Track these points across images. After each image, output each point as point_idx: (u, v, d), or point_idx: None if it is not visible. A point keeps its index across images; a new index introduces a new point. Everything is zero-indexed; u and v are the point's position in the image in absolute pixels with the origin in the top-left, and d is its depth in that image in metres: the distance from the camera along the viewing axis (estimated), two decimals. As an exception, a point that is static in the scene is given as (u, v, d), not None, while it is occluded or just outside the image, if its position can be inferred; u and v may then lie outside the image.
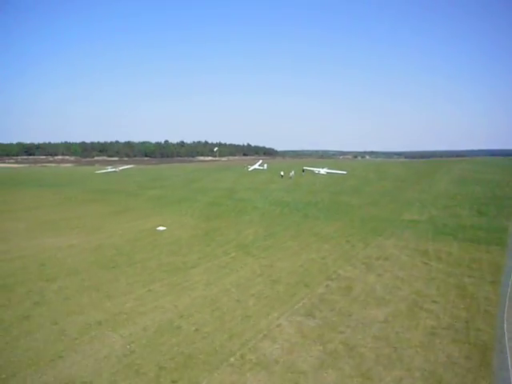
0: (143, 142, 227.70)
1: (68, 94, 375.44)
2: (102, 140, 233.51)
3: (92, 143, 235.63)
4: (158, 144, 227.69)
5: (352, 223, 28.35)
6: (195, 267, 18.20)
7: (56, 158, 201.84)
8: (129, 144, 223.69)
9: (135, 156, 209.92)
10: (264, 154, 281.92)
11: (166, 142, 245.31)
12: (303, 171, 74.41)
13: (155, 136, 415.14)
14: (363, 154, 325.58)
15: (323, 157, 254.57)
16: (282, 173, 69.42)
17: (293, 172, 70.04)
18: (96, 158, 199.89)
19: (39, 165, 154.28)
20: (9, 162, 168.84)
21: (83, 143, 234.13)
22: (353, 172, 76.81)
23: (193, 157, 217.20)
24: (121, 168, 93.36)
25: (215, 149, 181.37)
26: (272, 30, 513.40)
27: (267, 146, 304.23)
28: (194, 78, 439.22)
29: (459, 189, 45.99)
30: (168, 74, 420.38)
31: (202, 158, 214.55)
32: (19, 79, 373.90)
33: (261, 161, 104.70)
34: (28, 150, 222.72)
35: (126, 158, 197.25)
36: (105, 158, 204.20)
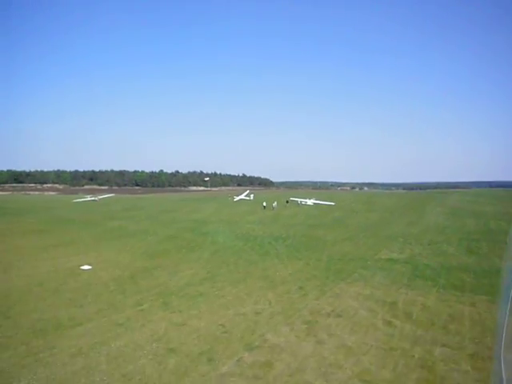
0: (135, 171, 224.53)
1: (65, 123, 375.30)
2: (96, 168, 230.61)
3: (84, 172, 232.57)
4: (149, 173, 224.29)
5: (317, 263, 23.95)
6: (81, 325, 13.75)
7: (45, 186, 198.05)
8: (120, 173, 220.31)
9: (125, 185, 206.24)
10: (259, 184, 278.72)
11: (161, 171, 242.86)
12: (287, 202, 71.04)
13: (150, 165, 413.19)
14: (361, 185, 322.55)
15: (320, 188, 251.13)
16: (264, 204, 66.22)
17: (275, 203, 66.68)
18: (85, 187, 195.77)
19: (22, 193, 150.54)
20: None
21: (75, 172, 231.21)
22: (341, 203, 73.37)
23: (185, 186, 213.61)
24: (100, 197, 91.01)
25: (206, 179, 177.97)
26: (271, 62, 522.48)
27: (263, 177, 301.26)
28: (189, 109, 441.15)
29: (450, 221, 41.76)
30: (164, 104, 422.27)
31: (194, 187, 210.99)
32: (18, 108, 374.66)
33: (248, 191, 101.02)
34: (18, 178, 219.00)
35: (115, 187, 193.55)
36: (94, 186, 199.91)
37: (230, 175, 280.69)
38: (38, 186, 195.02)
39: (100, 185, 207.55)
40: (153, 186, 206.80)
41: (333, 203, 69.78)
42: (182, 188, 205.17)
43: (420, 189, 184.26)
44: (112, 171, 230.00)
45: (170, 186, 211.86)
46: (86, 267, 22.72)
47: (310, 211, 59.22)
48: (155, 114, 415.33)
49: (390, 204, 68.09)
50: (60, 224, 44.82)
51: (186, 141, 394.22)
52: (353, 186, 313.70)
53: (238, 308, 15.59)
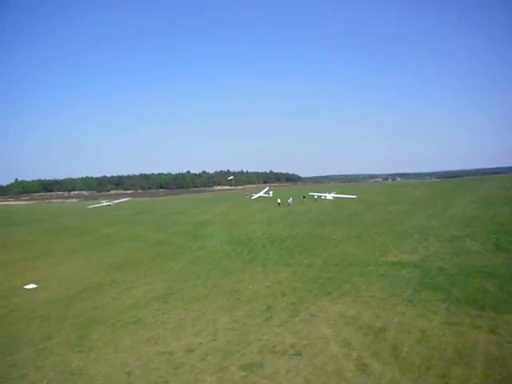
0: (159, 174, 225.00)
1: (94, 128, 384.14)
2: (125, 173, 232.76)
3: (111, 177, 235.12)
4: (173, 175, 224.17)
5: (306, 270, 19.85)
6: None
7: (71, 193, 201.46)
8: (145, 176, 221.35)
9: (150, 188, 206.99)
10: (286, 180, 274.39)
11: (188, 172, 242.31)
12: (304, 198, 66.85)
13: (177, 167, 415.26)
14: (394, 176, 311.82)
15: (351, 181, 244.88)
16: (279, 200, 62.91)
17: (291, 199, 62.78)
18: (111, 192, 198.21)
19: (46, 201, 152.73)
20: (9, 200, 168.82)
21: (102, 177, 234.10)
22: (364, 196, 68.63)
23: (210, 186, 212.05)
24: (116, 202, 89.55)
25: (230, 177, 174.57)
26: (301, 48, 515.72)
27: (291, 172, 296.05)
28: (215, 105, 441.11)
29: (479, 212, 36.24)
30: (190, 104, 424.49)
31: (219, 187, 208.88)
32: (46, 117, 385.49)
33: (267, 188, 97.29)
34: (47, 187, 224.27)
35: (140, 191, 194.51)
36: (120, 191, 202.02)
37: (257, 172, 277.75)
38: (65, 194, 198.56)
39: (125, 189, 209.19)
40: (177, 188, 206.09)
41: (355, 196, 65.14)
42: (207, 188, 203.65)
43: (455, 177, 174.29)
44: (138, 175, 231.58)
45: (194, 186, 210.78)
46: (30, 286, 19.66)
47: (326, 206, 54.72)
48: (183, 116, 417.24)
49: (416, 194, 62.47)
50: (51, 234, 42.57)
51: (212, 141, 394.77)
52: (385, 177, 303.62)
53: (168, 343, 11.82)
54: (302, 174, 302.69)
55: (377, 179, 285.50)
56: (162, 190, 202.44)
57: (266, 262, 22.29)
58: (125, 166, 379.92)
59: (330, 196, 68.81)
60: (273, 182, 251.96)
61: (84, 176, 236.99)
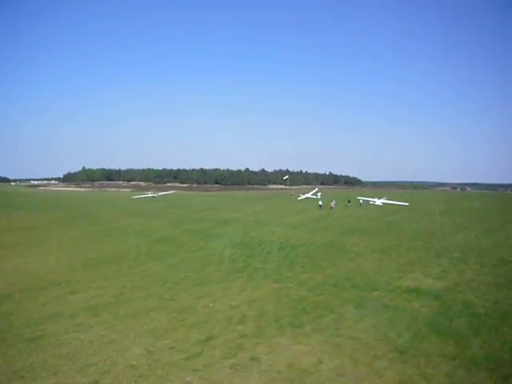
0: (216, 169, 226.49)
1: (158, 121, 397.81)
2: (188, 167, 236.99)
3: (171, 170, 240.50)
4: (229, 171, 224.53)
5: (295, 289, 16.06)
6: None
7: (130, 183, 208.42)
8: (201, 171, 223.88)
9: (205, 183, 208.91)
10: (345, 183, 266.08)
11: (247, 169, 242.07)
12: (349, 202, 61.97)
13: (237, 164, 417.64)
14: (464, 185, 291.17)
15: (416, 188, 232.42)
16: (320, 203, 58.71)
17: (334, 202, 58.63)
18: (167, 184, 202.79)
19: (101, 189, 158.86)
20: (70, 186, 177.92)
21: (162, 170, 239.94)
22: (417, 204, 63.00)
23: (264, 185, 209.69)
24: (161, 194, 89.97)
25: (285, 177, 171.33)
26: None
27: (351, 175, 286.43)
28: (276, 106, 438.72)
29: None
30: (249, 101, 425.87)
31: (273, 186, 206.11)
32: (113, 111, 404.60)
33: (316, 189, 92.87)
34: (109, 176, 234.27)
35: (194, 185, 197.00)
36: (176, 184, 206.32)
37: (316, 174, 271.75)
38: (124, 184, 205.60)
39: (182, 182, 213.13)
40: (232, 184, 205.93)
41: (406, 204, 59.44)
42: (261, 186, 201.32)
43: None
44: (196, 169, 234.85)
45: (249, 184, 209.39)
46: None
47: (368, 212, 49.84)
48: (243, 114, 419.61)
49: (477, 206, 55.39)
50: (65, 222, 41.82)
51: (272, 140, 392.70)
52: (454, 186, 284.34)
53: (40, 376, 8.70)
54: (364, 178, 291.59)
55: (444, 188, 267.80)
56: (216, 185, 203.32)
57: (255, 274, 18.68)
58: (188, 160, 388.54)
59: (378, 201, 63.69)
60: (330, 184, 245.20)
61: (146, 168, 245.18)
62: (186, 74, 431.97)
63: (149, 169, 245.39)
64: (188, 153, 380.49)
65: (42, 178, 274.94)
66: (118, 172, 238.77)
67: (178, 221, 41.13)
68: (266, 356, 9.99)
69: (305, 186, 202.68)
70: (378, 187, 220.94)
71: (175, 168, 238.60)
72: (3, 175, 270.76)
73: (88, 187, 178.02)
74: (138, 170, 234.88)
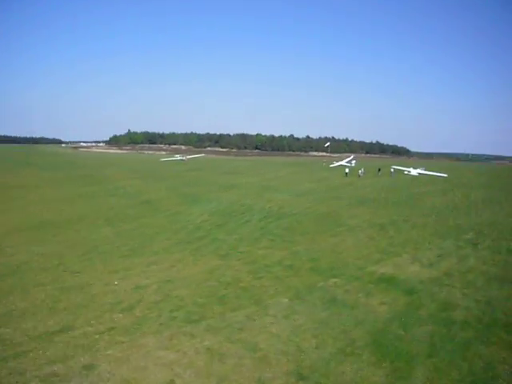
0: (257, 135, 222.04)
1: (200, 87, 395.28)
2: (231, 132, 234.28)
3: (213, 134, 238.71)
4: (270, 137, 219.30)
5: (238, 268, 13.14)
6: None
7: (171, 147, 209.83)
8: (242, 136, 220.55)
9: (246, 148, 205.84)
10: (392, 152, 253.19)
11: (291, 136, 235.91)
12: (379, 170, 57.18)
13: (281, 130, 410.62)
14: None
15: (471, 160, 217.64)
16: (347, 170, 54.68)
17: (362, 169, 54.37)
18: (208, 149, 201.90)
19: (139, 152, 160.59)
20: (112, 148, 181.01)
21: (205, 134, 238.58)
22: (457, 176, 56.93)
23: (306, 152, 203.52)
24: (189, 157, 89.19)
25: (326, 144, 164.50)
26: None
27: (399, 145, 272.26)
28: (321, 71, 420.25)
29: None
30: (298, 65, 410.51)
31: (315, 153, 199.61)
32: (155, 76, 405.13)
33: (352, 157, 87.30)
34: (151, 139, 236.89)
35: (234, 150, 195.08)
36: (216, 148, 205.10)
37: (363, 142, 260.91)
38: (164, 147, 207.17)
39: (222, 147, 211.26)
40: (272, 150, 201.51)
41: (445, 175, 53.96)
42: (302, 153, 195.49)
43: None
44: (237, 134, 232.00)
45: (291, 150, 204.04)
46: None
47: (396, 182, 45.32)
48: (289, 80, 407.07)
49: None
50: (64, 182, 41.00)
51: (317, 106, 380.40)
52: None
53: None
54: (414, 148, 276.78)
55: (504, 161, 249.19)
56: (256, 150, 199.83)
57: (207, 246, 15.84)
58: (230, 125, 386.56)
59: (414, 172, 58.24)
60: (375, 153, 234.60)
61: (189, 132, 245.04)
62: (233, 38, 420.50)
63: (192, 133, 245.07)
64: (231, 118, 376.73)
65: (93, 140, 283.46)
66: (161, 136, 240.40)
67: (181, 184, 38.83)
68: (107, 364, 7.14)
69: (347, 154, 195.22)
70: (427, 158, 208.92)
71: (218, 133, 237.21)
72: (58, 137, 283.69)
73: (128, 149, 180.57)
74: (180, 134, 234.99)
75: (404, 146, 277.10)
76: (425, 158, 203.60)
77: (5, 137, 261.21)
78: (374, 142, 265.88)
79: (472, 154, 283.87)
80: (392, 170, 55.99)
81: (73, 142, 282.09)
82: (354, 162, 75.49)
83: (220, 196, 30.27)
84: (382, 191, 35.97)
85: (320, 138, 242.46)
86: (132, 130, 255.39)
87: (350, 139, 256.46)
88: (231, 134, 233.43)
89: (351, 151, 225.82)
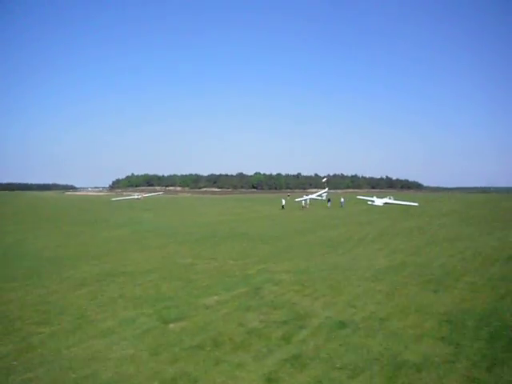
0: (256, 174, 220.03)
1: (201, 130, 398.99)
2: (231, 173, 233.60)
3: (211, 175, 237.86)
4: (268, 175, 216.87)
5: None
6: None
7: (166, 188, 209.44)
8: (240, 176, 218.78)
9: (242, 187, 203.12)
10: (401, 187, 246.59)
11: (299, 174, 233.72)
12: (328, 201, 55.80)
13: (290, 169, 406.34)
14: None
15: (486, 192, 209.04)
16: (283, 202, 52.32)
17: (307, 201, 54.00)
18: (203, 189, 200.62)
19: (118, 193, 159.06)
20: (93, 191, 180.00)
21: (202, 175, 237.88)
22: (430, 205, 52.69)
23: (304, 189, 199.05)
24: (145, 195, 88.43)
25: (324, 179, 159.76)
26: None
27: (411, 180, 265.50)
28: (326, 108, 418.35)
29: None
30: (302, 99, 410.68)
31: (314, 190, 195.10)
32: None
33: (324, 191, 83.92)
34: (149, 181, 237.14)
35: (229, 189, 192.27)
36: (213, 189, 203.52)
37: (372, 178, 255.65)
38: (158, 188, 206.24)
39: (219, 187, 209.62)
40: (269, 189, 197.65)
41: (415, 204, 49.82)
42: (301, 190, 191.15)
43: None
44: (235, 175, 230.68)
45: (288, 188, 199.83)
46: None
47: (338, 213, 40.04)
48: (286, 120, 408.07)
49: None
50: None
51: (325, 142, 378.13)
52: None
53: None
54: (428, 183, 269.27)
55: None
56: (253, 189, 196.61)
57: None
58: (230, 166, 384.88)
59: (378, 201, 53.77)
60: (382, 188, 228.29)
61: (188, 173, 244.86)
62: (228, 79, 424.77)
63: (190, 174, 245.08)
64: (229, 158, 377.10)
65: (95, 186, 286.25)
66: (159, 178, 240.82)
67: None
68: None
69: (349, 190, 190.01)
70: (434, 191, 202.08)
71: (224, 173, 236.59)
72: (70, 183, 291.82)
73: (107, 192, 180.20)
74: (178, 176, 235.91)
75: (416, 180, 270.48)
76: (430, 192, 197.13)
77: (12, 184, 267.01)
78: (383, 177, 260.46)
79: (493, 187, 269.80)
80: (342, 199, 52.35)
81: (83, 188, 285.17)
82: (324, 195, 72.90)
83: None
84: (306, 222, 30.60)
85: (328, 174, 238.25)
86: (136, 174, 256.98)
87: (359, 175, 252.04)
88: (229, 174, 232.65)
89: (356, 187, 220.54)
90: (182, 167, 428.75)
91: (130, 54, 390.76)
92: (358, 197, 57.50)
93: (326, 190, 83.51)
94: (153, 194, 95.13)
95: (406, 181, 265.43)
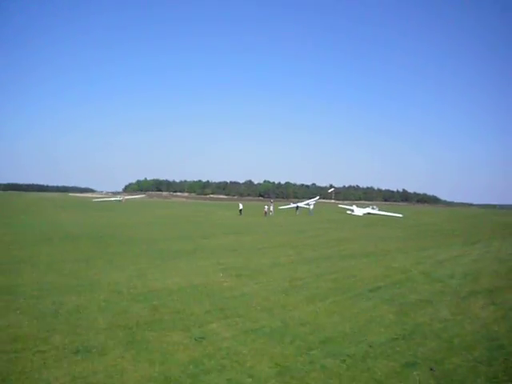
0: (264, 182, 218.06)
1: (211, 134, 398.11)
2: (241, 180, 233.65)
3: (220, 182, 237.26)
4: (276, 184, 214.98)
5: None
6: None
7: (170, 193, 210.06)
8: (247, 183, 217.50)
9: (249, 195, 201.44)
10: (417, 201, 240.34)
11: (313, 184, 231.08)
12: (297, 208, 54.27)
13: (309, 178, 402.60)
14: None
15: (502, 209, 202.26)
16: (240, 207, 50.27)
17: (271, 207, 49.36)
18: (210, 196, 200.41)
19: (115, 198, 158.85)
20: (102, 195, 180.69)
21: (220, 182, 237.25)
22: (415, 216, 49.94)
23: (309, 198, 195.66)
24: (127, 197, 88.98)
25: (330, 190, 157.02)
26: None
27: (429, 194, 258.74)
28: (343, 118, 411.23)
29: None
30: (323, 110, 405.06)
31: (322, 200, 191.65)
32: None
33: (314, 199, 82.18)
34: (158, 186, 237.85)
35: (235, 197, 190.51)
36: (220, 196, 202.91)
37: (388, 190, 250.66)
38: (163, 194, 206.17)
39: (227, 194, 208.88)
40: (277, 197, 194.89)
41: (399, 215, 46.95)
42: (304, 199, 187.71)
43: None
44: (243, 182, 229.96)
45: (295, 197, 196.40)
46: None
47: (300, 221, 37.21)
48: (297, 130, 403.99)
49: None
50: None
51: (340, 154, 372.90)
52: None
53: None
54: (451, 198, 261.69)
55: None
56: (259, 197, 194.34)
57: None
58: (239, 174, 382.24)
59: (359, 211, 51.47)
60: (395, 201, 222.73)
61: (198, 180, 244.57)
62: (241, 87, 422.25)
63: (199, 181, 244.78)
64: (238, 166, 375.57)
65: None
66: (169, 183, 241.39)
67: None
68: None
69: (357, 201, 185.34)
70: (448, 206, 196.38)
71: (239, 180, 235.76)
72: (90, 186, 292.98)
73: (110, 196, 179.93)
74: (187, 182, 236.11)
75: (434, 194, 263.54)
76: (447, 206, 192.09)
77: (34, 185, 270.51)
78: (399, 190, 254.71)
79: (500, 205, 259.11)
80: (311, 207, 49.79)
81: (100, 191, 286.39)
82: (312, 205, 70.86)
83: None
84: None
85: (344, 186, 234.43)
86: (148, 179, 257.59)
87: (375, 187, 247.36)
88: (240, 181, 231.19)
89: (368, 199, 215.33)
90: (196, 174, 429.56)
91: (149, 56, 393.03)
92: (340, 205, 54.87)
93: (317, 198, 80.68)
94: (135, 196, 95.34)
95: (425, 195, 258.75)
